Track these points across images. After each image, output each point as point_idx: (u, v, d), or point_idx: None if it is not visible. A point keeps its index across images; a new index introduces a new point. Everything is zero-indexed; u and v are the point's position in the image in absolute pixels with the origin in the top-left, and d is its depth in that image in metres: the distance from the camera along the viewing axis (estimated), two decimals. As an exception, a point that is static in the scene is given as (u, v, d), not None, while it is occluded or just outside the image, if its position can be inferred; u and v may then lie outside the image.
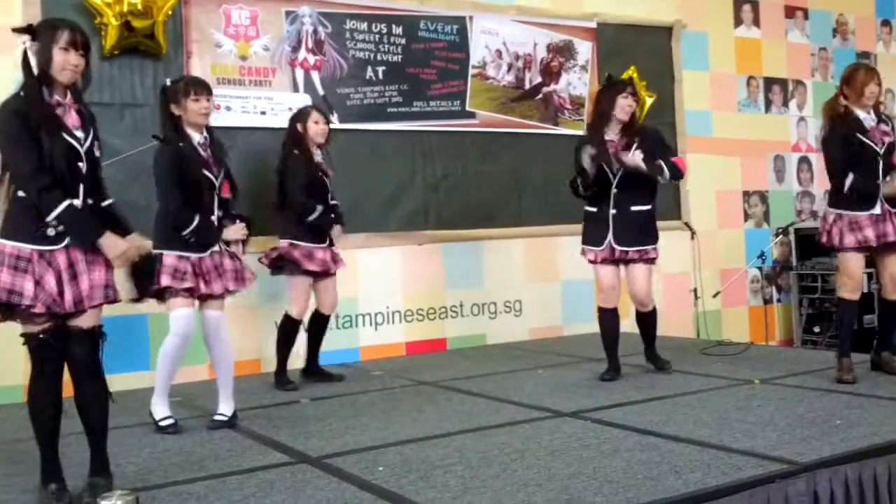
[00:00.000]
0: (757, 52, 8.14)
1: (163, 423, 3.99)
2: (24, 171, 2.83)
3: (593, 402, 4.19)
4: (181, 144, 3.95)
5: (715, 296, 7.28)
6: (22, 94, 2.90)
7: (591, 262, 4.86)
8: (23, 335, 2.90)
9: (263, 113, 5.78)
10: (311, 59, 6.02)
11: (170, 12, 5.34)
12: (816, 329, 7.76)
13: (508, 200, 6.74)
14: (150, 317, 5.12)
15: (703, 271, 7.07)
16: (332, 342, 5.92)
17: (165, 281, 3.82)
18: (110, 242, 2.92)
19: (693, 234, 7.13)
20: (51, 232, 2.87)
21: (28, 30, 2.94)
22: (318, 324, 5.21)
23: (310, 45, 6.01)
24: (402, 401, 4.51)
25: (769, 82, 8.21)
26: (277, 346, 5.08)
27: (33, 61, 2.90)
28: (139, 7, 5.13)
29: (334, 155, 5.63)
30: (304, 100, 5.91)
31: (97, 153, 3.04)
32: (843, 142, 4.43)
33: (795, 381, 4.52)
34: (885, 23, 9.11)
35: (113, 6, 5.10)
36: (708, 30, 7.80)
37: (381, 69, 6.27)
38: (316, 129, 5.04)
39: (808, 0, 8.50)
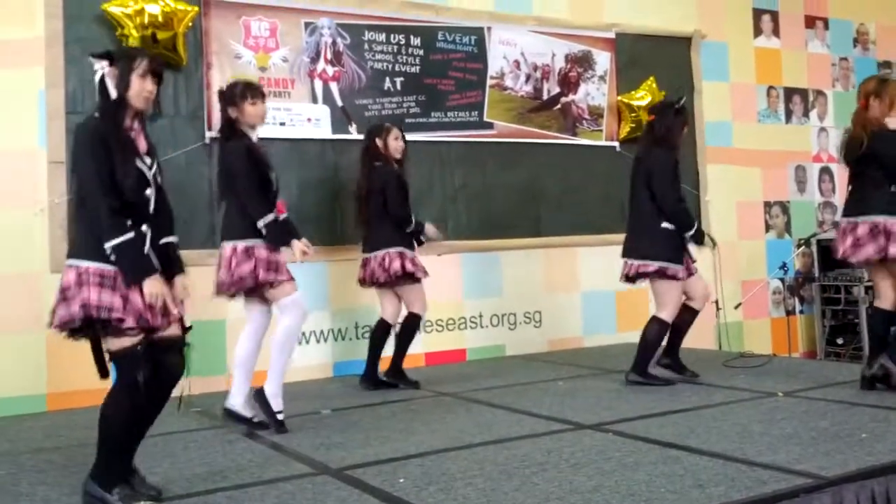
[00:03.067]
0: (777, 63, 8.10)
1: (281, 416, 4.07)
2: (97, 186, 2.86)
3: (614, 415, 4.17)
4: (246, 142, 4.12)
5: (736, 307, 7.23)
6: (98, 115, 2.98)
7: (677, 279, 4.90)
8: (112, 353, 2.92)
9: (283, 124, 5.80)
10: (330, 70, 6.04)
11: (190, 24, 5.38)
12: (840, 341, 7.69)
13: (527, 211, 6.72)
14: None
15: (724, 283, 7.00)
16: (353, 352, 5.94)
17: (264, 276, 3.99)
18: (149, 288, 2.91)
19: (714, 245, 7.08)
20: None
21: (107, 55, 3.02)
22: (386, 331, 5.28)
23: (328, 56, 6.04)
24: (422, 412, 4.50)
25: (789, 92, 8.17)
26: (404, 344, 5.23)
27: (111, 86, 2.99)
28: (160, 19, 5.17)
29: (353, 166, 5.66)
30: (323, 111, 5.95)
31: (160, 180, 3.11)
32: None
33: (819, 394, 4.47)
34: (907, 32, 9.05)
35: (134, 18, 5.14)
36: (727, 40, 7.78)
37: (399, 80, 6.29)
38: (396, 145, 5.16)
39: (828, 9, 8.46)
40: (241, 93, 4.13)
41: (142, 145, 3.04)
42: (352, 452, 3.62)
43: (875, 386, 4.42)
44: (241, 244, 4.02)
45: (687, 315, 5.10)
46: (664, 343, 5.13)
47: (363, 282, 5.18)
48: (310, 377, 5.71)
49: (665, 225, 4.87)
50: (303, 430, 4.10)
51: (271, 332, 4.17)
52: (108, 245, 2.85)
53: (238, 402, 4.14)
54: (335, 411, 4.61)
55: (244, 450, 3.78)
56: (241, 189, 4.04)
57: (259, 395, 4.07)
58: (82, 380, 4.92)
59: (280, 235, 4.08)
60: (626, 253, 5.02)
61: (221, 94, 4.21)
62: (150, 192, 3.03)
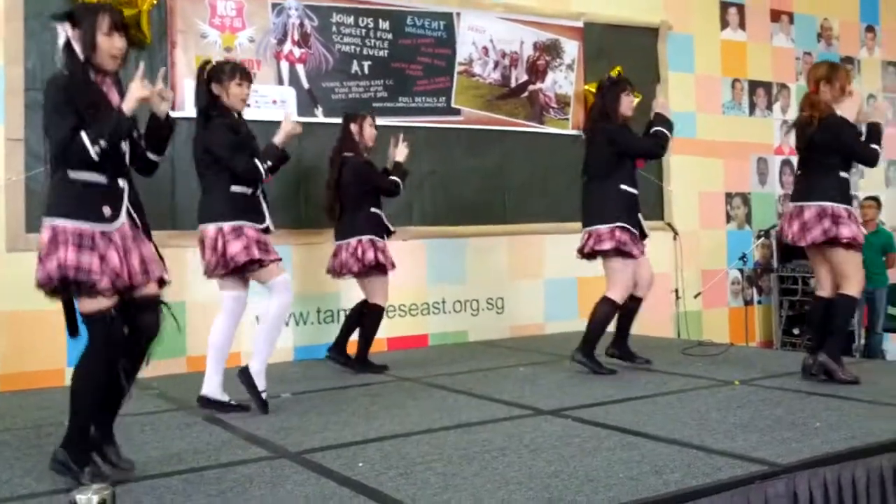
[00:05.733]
0: (742, 55, 8.18)
1: (264, 396, 4.07)
2: (63, 134, 2.82)
3: (574, 401, 4.19)
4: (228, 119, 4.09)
5: (696, 296, 7.32)
6: (67, 73, 2.93)
7: (631, 256, 4.81)
8: (85, 314, 2.88)
9: (248, 105, 5.70)
10: (297, 52, 5.98)
11: (155, 2, 5.29)
12: (796, 331, 7.83)
13: (493, 198, 6.73)
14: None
15: (684, 272, 7.10)
16: (314, 337, 5.91)
17: (258, 255, 3.96)
18: (135, 92, 2.89)
19: (675, 234, 7.16)
20: (107, 212, 2.90)
21: (67, 17, 2.95)
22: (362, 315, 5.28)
23: (296, 37, 5.98)
24: (383, 396, 4.49)
25: (754, 85, 8.26)
26: (368, 335, 5.20)
27: (77, 48, 2.93)
28: (124, -5, 5.08)
29: (318, 150, 5.61)
30: (288, 93, 5.89)
31: (135, 134, 3.07)
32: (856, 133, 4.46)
33: (775, 383, 4.53)
34: (870, 28, 9.18)
35: (97, -6, 5.04)
36: (694, 32, 7.84)
37: (366, 64, 6.24)
38: (371, 132, 5.17)
39: (793, 4, 8.56)
40: (230, 72, 4.08)
41: (114, 99, 2.99)
42: (311, 436, 3.61)
43: (818, 377, 4.48)
44: (227, 224, 3.97)
45: (631, 304, 5.07)
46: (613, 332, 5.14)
47: (334, 272, 5.14)
48: (270, 361, 5.65)
49: (622, 186, 4.85)
50: (262, 414, 4.07)
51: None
52: (94, 150, 2.80)
53: (211, 388, 4.09)
54: (295, 395, 4.59)
55: (201, 433, 3.74)
56: (227, 159, 3.97)
57: (244, 374, 4.06)
58: (35, 361, 4.87)
59: (273, 155, 4.17)
60: (585, 223, 4.97)
61: (209, 70, 4.10)
62: (124, 145, 3.00)
